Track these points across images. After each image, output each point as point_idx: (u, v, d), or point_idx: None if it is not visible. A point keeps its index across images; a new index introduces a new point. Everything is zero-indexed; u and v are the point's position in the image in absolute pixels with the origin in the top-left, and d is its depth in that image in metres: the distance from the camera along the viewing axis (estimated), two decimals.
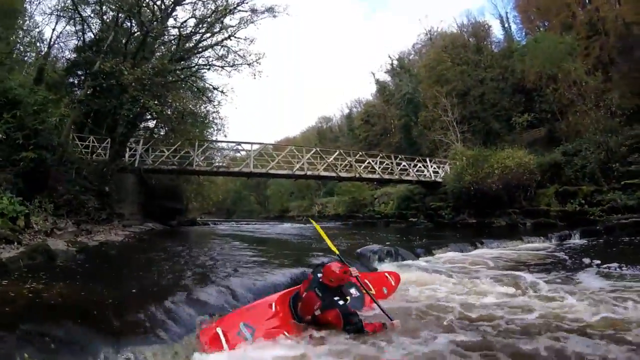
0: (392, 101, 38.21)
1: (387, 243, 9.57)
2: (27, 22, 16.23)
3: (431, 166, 21.31)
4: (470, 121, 27.79)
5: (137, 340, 3.13)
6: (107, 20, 13.86)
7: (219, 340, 3.33)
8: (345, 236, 13.25)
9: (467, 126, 27.27)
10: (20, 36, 15.98)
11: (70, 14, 14.06)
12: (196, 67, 15.64)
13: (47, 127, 10.56)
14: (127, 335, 3.14)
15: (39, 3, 14.94)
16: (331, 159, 18.38)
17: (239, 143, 17.97)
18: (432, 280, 6.11)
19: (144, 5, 13.04)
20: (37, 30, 16.84)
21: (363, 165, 19.36)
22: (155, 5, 13.34)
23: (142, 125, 18.52)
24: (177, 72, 14.28)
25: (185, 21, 14.83)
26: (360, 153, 20.08)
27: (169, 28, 14.48)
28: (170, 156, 16.64)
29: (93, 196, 13.61)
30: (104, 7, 13.22)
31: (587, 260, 7.54)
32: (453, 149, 23.08)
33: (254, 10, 15.11)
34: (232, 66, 15.13)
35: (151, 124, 18.79)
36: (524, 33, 30.92)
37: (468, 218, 18.14)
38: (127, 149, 15.60)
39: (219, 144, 19.14)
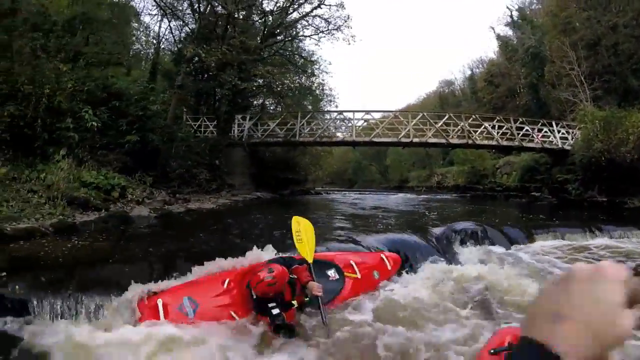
0: (515, 58, 33.35)
1: (478, 222, 7.57)
2: (139, 24, 18.87)
3: (558, 131, 17.73)
4: (603, 76, 22.38)
5: (100, 291, 3.54)
6: (198, 10, 15.17)
7: (157, 312, 3.23)
8: (447, 210, 12.23)
9: (599, 82, 21.97)
10: (137, 37, 19.03)
11: (169, 10, 15.92)
12: (289, 39, 15.97)
13: (150, 113, 12.24)
14: (92, 287, 3.61)
15: (144, 6, 17.04)
16: (440, 123, 16.89)
17: (340, 112, 17.97)
18: (497, 282, 4.44)
19: None
20: (148, 28, 19.40)
21: (479, 131, 17.31)
22: None
23: (254, 102, 19.97)
24: (269, 48, 14.83)
25: None
26: (473, 116, 17.89)
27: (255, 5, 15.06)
28: (276, 129, 17.61)
29: (205, 169, 15.68)
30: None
31: None
32: (581, 110, 18.69)
33: None
34: (321, 33, 14.99)
35: (262, 100, 20.01)
36: None
37: (598, 195, 14.59)
38: (236, 125, 17.08)
39: (326, 114, 19.47)
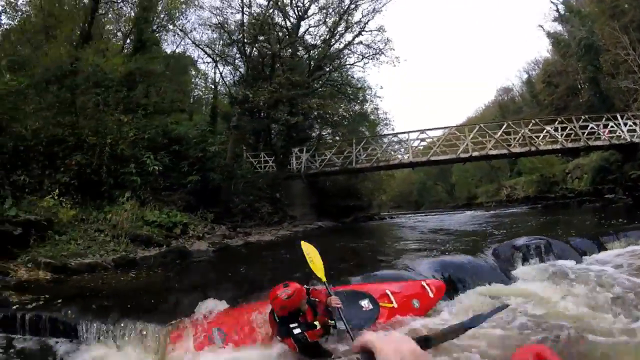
0: (569, 53, 30.62)
1: (543, 235, 6.62)
2: (197, 72, 20.30)
3: (625, 123, 15.75)
4: None
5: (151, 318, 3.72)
6: (245, 54, 16.05)
7: (187, 339, 3.39)
8: (514, 224, 11.09)
9: None
10: (196, 84, 20.52)
11: (218, 58, 17.04)
12: (334, 70, 16.30)
13: (209, 154, 12.87)
14: (145, 313, 3.85)
15: (198, 55, 18.30)
16: (499, 133, 15.82)
17: (395, 134, 17.61)
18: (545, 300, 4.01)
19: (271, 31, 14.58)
20: (205, 75, 20.80)
21: (541, 136, 15.97)
22: (283, 29, 14.76)
23: (312, 134, 20.33)
24: (316, 81, 15.18)
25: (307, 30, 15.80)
26: (533, 121, 16.55)
27: (297, 43, 15.66)
28: (334, 158, 17.62)
29: (267, 203, 16.02)
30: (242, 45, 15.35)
31: None
32: None
33: None
34: (365, 59, 15.14)
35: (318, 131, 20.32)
36: None
37: None
38: (294, 158, 17.39)
39: (382, 138, 19.21)
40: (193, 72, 19.61)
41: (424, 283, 4.34)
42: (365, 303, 3.83)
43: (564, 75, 33.64)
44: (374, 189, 24.59)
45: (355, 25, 15.56)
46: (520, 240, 6.19)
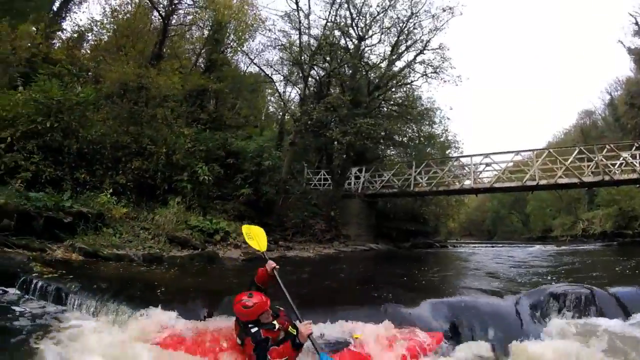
0: None
1: (589, 283, 5.49)
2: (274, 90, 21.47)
3: None
4: None
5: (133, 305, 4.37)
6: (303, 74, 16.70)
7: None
8: (576, 264, 9.90)
9: None
10: (269, 101, 21.77)
11: (285, 78, 18.01)
12: (393, 89, 16.31)
13: (264, 169, 13.62)
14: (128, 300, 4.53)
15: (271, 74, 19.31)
16: (570, 160, 14.20)
17: (457, 158, 16.84)
18: None
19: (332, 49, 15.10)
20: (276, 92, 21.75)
21: (618, 163, 14.01)
22: (342, 48, 15.24)
23: (380, 154, 20.31)
24: (375, 100, 15.35)
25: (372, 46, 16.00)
26: (607, 147, 14.53)
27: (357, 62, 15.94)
28: (394, 180, 17.29)
29: (322, 220, 16.35)
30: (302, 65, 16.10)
31: None
32: None
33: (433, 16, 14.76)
34: (424, 76, 14.99)
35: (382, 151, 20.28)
36: None
37: None
38: (353, 177, 17.54)
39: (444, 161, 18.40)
40: (269, 91, 20.90)
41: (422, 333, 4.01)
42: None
43: None
44: (440, 215, 23.50)
45: (417, 43, 15.49)
46: (560, 288, 5.24)
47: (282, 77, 18.11)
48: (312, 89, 16.02)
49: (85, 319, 4.30)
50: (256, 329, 3.26)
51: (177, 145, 10.89)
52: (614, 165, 14.06)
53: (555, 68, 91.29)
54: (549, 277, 7.05)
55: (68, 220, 7.59)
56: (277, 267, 3.74)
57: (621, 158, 13.94)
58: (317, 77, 16.26)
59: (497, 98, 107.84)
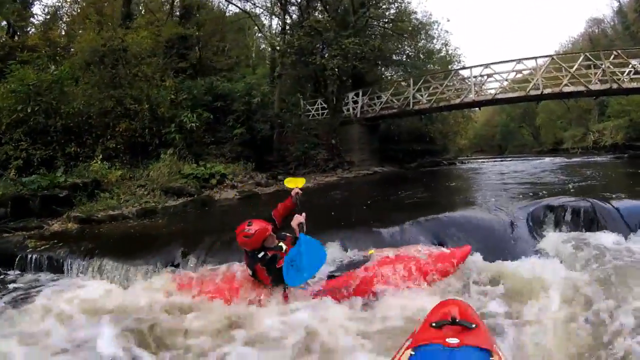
0: None
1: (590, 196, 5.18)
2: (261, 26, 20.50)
3: None
4: None
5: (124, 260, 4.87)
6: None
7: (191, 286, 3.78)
8: (586, 177, 9.86)
9: None
10: (258, 37, 20.95)
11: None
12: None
13: (254, 107, 13.80)
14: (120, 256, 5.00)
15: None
16: (575, 67, 13.29)
17: (455, 71, 16.05)
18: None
19: None
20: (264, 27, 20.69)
21: (627, 71, 12.98)
22: None
23: (374, 76, 19.69)
24: (361, 19, 14.67)
25: None
26: (615, 53, 13.39)
27: None
28: (394, 100, 16.92)
29: (323, 149, 16.57)
30: None
31: None
32: None
33: None
34: None
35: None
36: None
37: None
38: (351, 102, 17.35)
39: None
40: (256, 28, 20.13)
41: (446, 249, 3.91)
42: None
43: None
44: (447, 132, 23.08)
45: None
46: (558, 201, 5.06)
47: (261, 11, 17.39)
48: (293, 16, 15.35)
49: (85, 279, 4.78)
50: (262, 253, 3.35)
51: (160, 99, 11.17)
52: (622, 73, 13.16)
53: None
54: (545, 192, 6.71)
55: (64, 195, 8.04)
56: (300, 192, 3.83)
57: (630, 66, 12.97)
58: (297, 1, 15.43)
59: (501, 5, 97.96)
